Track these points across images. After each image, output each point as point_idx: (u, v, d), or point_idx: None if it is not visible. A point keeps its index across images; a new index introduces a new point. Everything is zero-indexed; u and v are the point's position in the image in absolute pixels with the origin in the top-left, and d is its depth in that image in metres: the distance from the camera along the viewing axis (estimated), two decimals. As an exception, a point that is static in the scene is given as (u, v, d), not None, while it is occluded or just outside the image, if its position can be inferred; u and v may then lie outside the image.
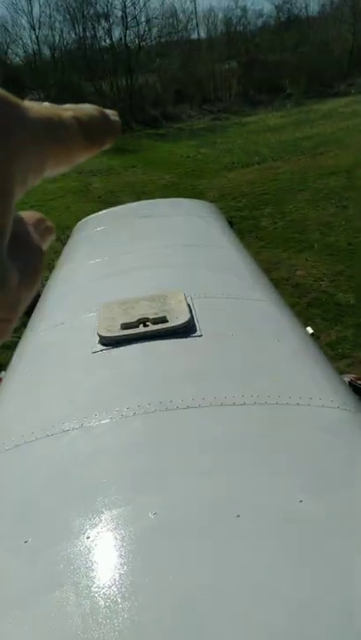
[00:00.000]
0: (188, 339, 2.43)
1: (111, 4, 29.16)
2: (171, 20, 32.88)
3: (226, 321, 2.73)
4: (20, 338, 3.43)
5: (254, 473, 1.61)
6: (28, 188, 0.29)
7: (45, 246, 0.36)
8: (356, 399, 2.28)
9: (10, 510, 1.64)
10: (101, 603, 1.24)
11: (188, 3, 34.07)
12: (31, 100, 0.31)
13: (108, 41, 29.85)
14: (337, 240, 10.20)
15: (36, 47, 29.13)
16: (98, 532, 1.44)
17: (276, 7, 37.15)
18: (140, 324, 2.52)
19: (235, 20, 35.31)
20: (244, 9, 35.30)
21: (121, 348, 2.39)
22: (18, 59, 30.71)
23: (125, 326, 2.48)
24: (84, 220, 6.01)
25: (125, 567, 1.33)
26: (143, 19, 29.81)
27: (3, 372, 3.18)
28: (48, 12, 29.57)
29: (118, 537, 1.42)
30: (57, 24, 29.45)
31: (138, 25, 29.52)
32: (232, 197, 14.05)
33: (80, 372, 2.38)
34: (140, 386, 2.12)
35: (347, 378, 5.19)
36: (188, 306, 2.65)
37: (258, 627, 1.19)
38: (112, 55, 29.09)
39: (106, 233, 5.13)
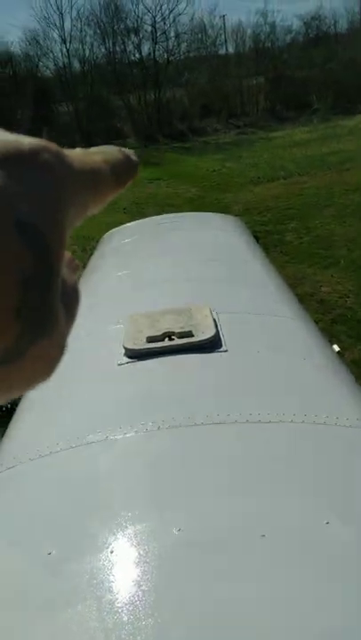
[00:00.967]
0: (214, 354, 2.43)
1: (141, 19, 29.67)
2: (200, 36, 33.33)
3: (251, 337, 2.73)
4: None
5: (280, 493, 1.59)
6: (74, 226, 0.32)
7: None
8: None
9: (34, 521, 1.66)
10: (125, 619, 1.24)
11: (218, 19, 34.35)
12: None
13: (137, 55, 30.39)
14: (363, 257, 10.11)
15: (66, 60, 29.83)
16: (122, 547, 1.45)
17: (305, 24, 37.34)
18: (165, 337, 2.53)
19: (263, 36, 35.61)
20: (273, 25, 35.44)
21: (146, 361, 2.40)
22: (48, 71, 31.47)
23: (151, 339, 2.50)
24: (110, 231, 6.09)
25: (149, 583, 1.32)
26: (172, 34, 30.31)
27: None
28: (79, 26, 30.19)
29: (142, 552, 1.42)
30: (87, 38, 30.12)
31: (167, 40, 30.02)
32: (257, 212, 14.07)
33: (105, 385, 2.40)
34: (164, 400, 2.12)
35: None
36: (214, 320, 2.65)
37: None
38: (141, 69, 29.59)
39: (132, 245, 5.18)
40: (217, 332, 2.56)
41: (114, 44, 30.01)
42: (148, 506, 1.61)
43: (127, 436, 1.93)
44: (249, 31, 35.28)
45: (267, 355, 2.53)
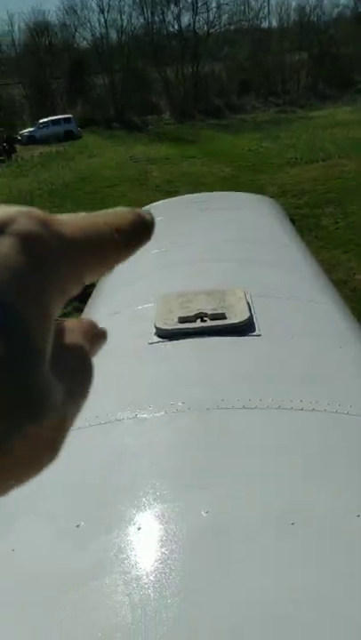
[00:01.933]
0: (247, 337, 2.42)
1: (182, -12, 29.13)
2: (242, 8, 32.56)
3: (286, 322, 2.70)
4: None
5: (311, 481, 1.59)
6: (68, 297, 0.30)
7: (96, 353, 0.35)
8: None
9: (63, 494, 1.69)
10: (151, 595, 1.26)
11: (262, -10, 33.43)
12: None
13: (176, 27, 29.90)
14: None
15: (103, 31, 29.57)
16: (149, 524, 1.47)
17: (354, -3, 36.07)
18: (197, 318, 2.52)
19: (309, 10, 34.55)
20: (320, -2, 34.36)
21: (177, 341, 2.41)
22: (85, 42, 31.27)
23: (183, 320, 2.50)
24: (144, 208, 6.06)
25: (176, 563, 1.34)
26: (214, 4, 29.65)
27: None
28: (118, -5, 29.86)
29: (169, 531, 1.44)
30: (126, 8, 29.80)
31: (208, 11, 29.42)
32: (292, 194, 13.83)
33: (135, 363, 2.41)
34: (195, 381, 2.13)
35: None
36: (248, 303, 2.63)
37: (306, 638, 1.18)
38: (179, 41, 29.12)
39: (165, 223, 5.16)
40: (250, 315, 2.54)
41: (152, 13, 29.57)
42: (175, 486, 1.63)
43: (156, 415, 1.95)
44: (294, 4, 34.29)
45: (301, 341, 2.50)
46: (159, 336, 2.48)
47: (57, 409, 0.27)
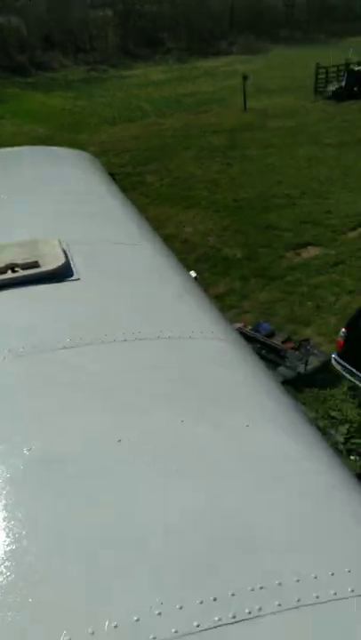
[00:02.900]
0: (65, 283, 2.38)
1: None
2: None
3: (105, 265, 2.71)
4: None
5: (137, 402, 1.64)
6: None
7: None
8: (235, 333, 2.41)
9: None
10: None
11: None
12: None
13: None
14: (222, 197, 10.50)
15: None
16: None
17: None
18: (8, 269, 2.41)
19: None
20: None
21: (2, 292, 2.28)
22: None
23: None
24: None
25: (2, 501, 1.30)
26: None
27: None
28: None
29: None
30: None
31: None
32: (114, 153, 13.81)
33: None
34: (10, 331, 2.04)
35: (236, 326, 5.45)
36: (63, 251, 2.58)
37: (144, 528, 1.22)
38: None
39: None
40: (67, 261, 2.50)
41: None
42: (4, 429, 1.56)
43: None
44: None
45: (121, 281, 2.54)
46: None
47: None
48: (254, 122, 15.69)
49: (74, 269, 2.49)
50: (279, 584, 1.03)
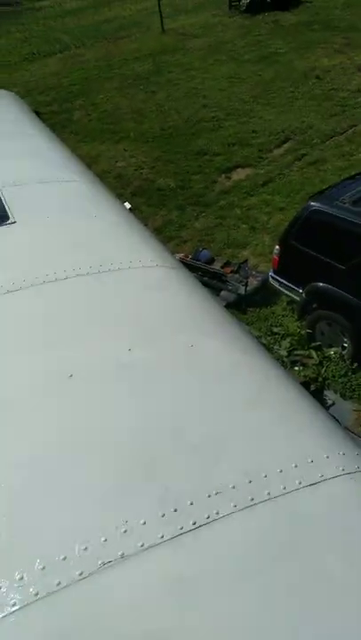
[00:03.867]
0: (1, 227, 2.22)
1: None
2: None
3: (40, 205, 2.53)
4: None
5: (85, 336, 1.58)
6: None
7: None
8: (175, 260, 2.34)
9: None
10: None
11: None
12: None
13: None
14: (151, 127, 9.98)
15: None
16: None
17: None
18: None
19: None
20: None
21: None
22: None
23: None
24: None
25: None
26: None
27: None
28: None
29: None
30: None
31: None
32: (38, 92, 12.72)
33: None
34: None
35: (177, 257, 5.37)
36: (-5, 195, 2.39)
37: (106, 444, 1.21)
38: None
39: None
40: (1, 205, 2.32)
41: None
42: None
43: None
44: None
45: (57, 220, 2.39)
46: None
47: None
48: (174, 44, 14.71)
49: (9, 212, 2.31)
50: (233, 487, 1.05)
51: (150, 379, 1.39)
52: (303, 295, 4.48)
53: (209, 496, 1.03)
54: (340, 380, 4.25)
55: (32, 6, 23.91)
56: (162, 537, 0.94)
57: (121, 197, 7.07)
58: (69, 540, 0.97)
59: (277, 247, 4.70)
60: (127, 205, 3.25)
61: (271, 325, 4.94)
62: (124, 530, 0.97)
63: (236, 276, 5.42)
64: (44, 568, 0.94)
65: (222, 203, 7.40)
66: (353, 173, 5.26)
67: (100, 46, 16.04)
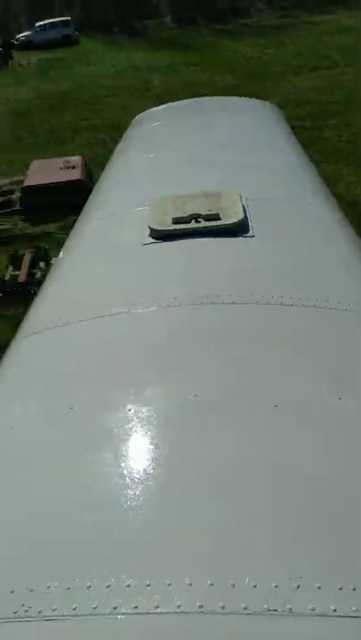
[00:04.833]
0: (240, 238, 2.34)
1: None
2: None
3: (280, 223, 2.60)
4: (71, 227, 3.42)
5: (297, 369, 1.58)
6: None
7: None
8: None
9: (59, 380, 1.70)
10: (136, 467, 1.29)
11: None
12: None
13: None
14: None
15: None
16: (138, 407, 1.48)
17: None
18: (191, 219, 2.42)
19: None
20: None
21: (171, 242, 2.33)
22: None
23: (177, 221, 2.40)
24: (141, 114, 5.70)
25: (164, 439, 1.37)
26: None
27: (54, 258, 3.21)
28: None
29: (159, 413, 1.45)
30: None
31: None
32: (295, 104, 12.98)
33: (130, 262, 2.35)
34: (187, 279, 2.08)
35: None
36: (243, 206, 2.51)
37: (282, 501, 1.21)
38: None
39: (163, 128, 4.86)
40: (245, 217, 2.44)
41: None
42: (166, 373, 1.63)
43: (149, 309, 1.92)
44: None
45: (293, 241, 2.42)
46: (153, 237, 2.39)
47: None
48: None
49: (250, 225, 2.42)
50: None
51: (351, 427, 1.33)
52: None
53: None
54: None
55: (311, 20, 24.39)
56: (334, 610, 0.90)
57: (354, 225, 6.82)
58: (240, 571, 0.99)
59: None
60: None
61: None
62: (296, 585, 0.96)
63: None
64: (212, 584, 0.98)
65: None
66: None
67: (371, 68, 15.56)
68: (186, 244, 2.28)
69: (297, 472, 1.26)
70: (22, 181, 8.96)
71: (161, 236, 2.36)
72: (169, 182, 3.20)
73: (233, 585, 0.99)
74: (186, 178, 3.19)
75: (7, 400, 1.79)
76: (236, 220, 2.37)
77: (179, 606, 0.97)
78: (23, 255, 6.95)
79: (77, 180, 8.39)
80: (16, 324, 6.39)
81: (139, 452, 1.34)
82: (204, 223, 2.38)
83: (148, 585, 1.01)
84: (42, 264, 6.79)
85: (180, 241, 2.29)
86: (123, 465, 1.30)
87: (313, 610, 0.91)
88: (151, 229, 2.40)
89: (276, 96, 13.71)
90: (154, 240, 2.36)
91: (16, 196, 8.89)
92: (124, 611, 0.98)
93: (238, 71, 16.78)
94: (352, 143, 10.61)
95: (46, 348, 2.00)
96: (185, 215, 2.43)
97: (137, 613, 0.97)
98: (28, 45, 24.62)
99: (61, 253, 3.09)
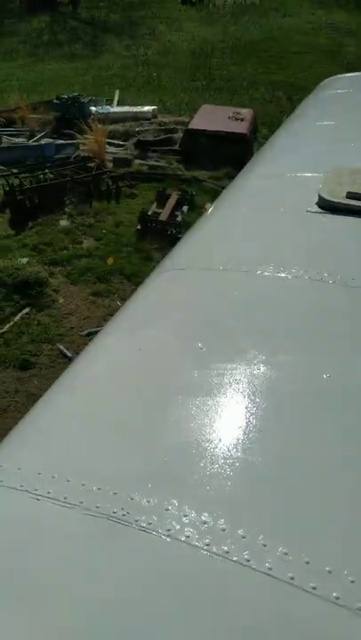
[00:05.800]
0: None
1: None
2: None
3: None
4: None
5: None
6: None
7: None
8: None
9: (196, 321, 1.75)
10: (267, 406, 1.29)
11: None
12: None
13: None
14: None
15: None
16: (269, 368, 1.47)
17: None
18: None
19: None
20: None
21: (340, 217, 2.22)
22: None
23: (351, 196, 2.27)
24: (328, 79, 5.40)
25: (283, 409, 1.35)
26: None
27: (209, 204, 3.23)
28: None
29: (286, 380, 1.44)
30: None
31: None
32: None
33: (289, 226, 2.29)
34: (348, 258, 1.98)
35: None
36: None
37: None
38: None
39: (350, 97, 4.58)
40: None
41: None
42: (300, 344, 1.59)
43: (298, 277, 1.87)
44: None
45: None
46: (321, 207, 2.30)
47: None
48: None
49: None
50: None
51: None
52: None
53: None
54: None
55: None
56: None
57: None
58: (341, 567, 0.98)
59: None
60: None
61: None
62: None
63: None
64: (307, 562, 0.98)
65: None
66: None
67: None
68: (356, 222, 2.16)
69: None
70: (187, 123, 9.04)
71: (331, 207, 2.26)
72: (347, 154, 3.03)
73: (330, 571, 0.98)
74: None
75: (138, 324, 1.88)
76: None
77: (270, 569, 0.98)
78: (170, 195, 7.10)
79: (242, 134, 8.27)
80: (147, 258, 6.67)
81: (259, 412, 1.34)
82: (375, 203, 2.23)
83: (243, 537, 1.03)
84: (185, 208, 6.91)
85: (351, 217, 2.18)
86: (238, 418, 1.31)
87: None
88: (321, 198, 2.30)
89: None
90: (321, 210, 2.27)
91: (178, 135, 9.01)
92: (214, 550, 1.01)
93: None
94: None
95: (184, 285, 2.06)
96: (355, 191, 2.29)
97: (228, 558, 0.99)
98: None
99: (216, 201, 3.10)
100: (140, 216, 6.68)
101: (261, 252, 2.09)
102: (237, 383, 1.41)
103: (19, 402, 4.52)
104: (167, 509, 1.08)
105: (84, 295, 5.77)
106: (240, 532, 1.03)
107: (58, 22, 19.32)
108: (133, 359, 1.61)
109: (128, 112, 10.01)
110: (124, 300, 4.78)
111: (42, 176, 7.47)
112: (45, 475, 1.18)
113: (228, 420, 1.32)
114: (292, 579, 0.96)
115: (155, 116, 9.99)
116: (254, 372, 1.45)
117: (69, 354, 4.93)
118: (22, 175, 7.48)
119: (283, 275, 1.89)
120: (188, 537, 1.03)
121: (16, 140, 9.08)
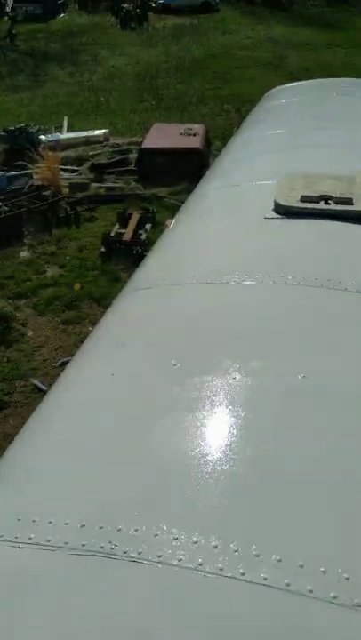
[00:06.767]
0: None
1: None
2: None
3: None
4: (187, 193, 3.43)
5: None
6: None
7: None
8: None
9: (165, 336, 1.74)
10: (238, 423, 1.29)
11: None
12: None
13: None
14: None
15: None
16: (245, 377, 1.47)
17: None
18: (321, 200, 2.34)
19: None
20: None
21: (296, 220, 2.26)
22: None
23: (305, 199, 2.32)
24: (273, 89, 5.57)
25: (266, 412, 1.35)
26: None
27: (170, 220, 3.26)
28: None
29: (260, 386, 1.44)
30: None
31: None
32: None
33: (249, 233, 2.32)
34: (309, 260, 2.01)
35: None
36: (379, 193, 2.38)
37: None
38: None
39: (295, 105, 4.71)
40: None
41: None
42: (274, 348, 1.60)
43: (262, 283, 1.89)
44: None
45: None
46: (277, 212, 2.34)
47: None
48: None
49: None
50: None
51: None
52: None
53: None
54: None
55: None
56: None
57: None
58: (336, 565, 0.97)
59: None
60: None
61: None
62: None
63: None
64: (301, 566, 0.97)
65: None
66: None
67: None
68: (312, 224, 2.21)
69: None
70: (141, 142, 9.14)
71: (286, 211, 2.30)
72: (298, 160, 3.10)
73: (323, 572, 0.97)
74: (317, 157, 3.08)
75: (110, 348, 1.86)
76: (369, 208, 2.25)
77: (265, 579, 0.96)
78: (131, 215, 7.13)
79: (196, 148, 8.40)
80: (115, 279, 6.60)
81: (238, 416, 1.33)
82: (334, 206, 2.28)
83: (236, 551, 1.01)
84: (148, 226, 6.94)
85: (306, 220, 2.22)
86: (218, 431, 1.30)
87: None
88: (277, 204, 2.35)
89: None
90: (278, 215, 2.31)
91: (133, 156, 9.10)
92: (208, 569, 0.99)
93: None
94: None
95: (153, 303, 2.05)
96: (315, 195, 2.34)
97: (222, 575, 0.98)
98: (164, 9, 24.76)
99: (176, 216, 3.13)
100: (104, 238, 6.67)
101: (225, 262, 2.11)
102: (214, 395, 1.40)
103: (-5, 444, 4.39)
104: (156, 535, 1.05)
105: (53, 325, 5.70)
106: (232, 546, 1.02)
107: (-3, 56, 19.38)
108: (107, 386, 1.59)
109: (79, 137, 10.06)
110: (95, 324, 4.75)
111: (-4, 209, 7.41)
112: (25, 519, 1.13)
113: (208, 434, 1.31)
114: (288, 585, 0.94)
115: (107, 139, 10.07)
116: (230, 381, 1.45)
117: (44, 387, 4.83)
118: (-25, 210, 7.40)
119: (248, 282, 1.91)
120: (180, 560, 1.01)
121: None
